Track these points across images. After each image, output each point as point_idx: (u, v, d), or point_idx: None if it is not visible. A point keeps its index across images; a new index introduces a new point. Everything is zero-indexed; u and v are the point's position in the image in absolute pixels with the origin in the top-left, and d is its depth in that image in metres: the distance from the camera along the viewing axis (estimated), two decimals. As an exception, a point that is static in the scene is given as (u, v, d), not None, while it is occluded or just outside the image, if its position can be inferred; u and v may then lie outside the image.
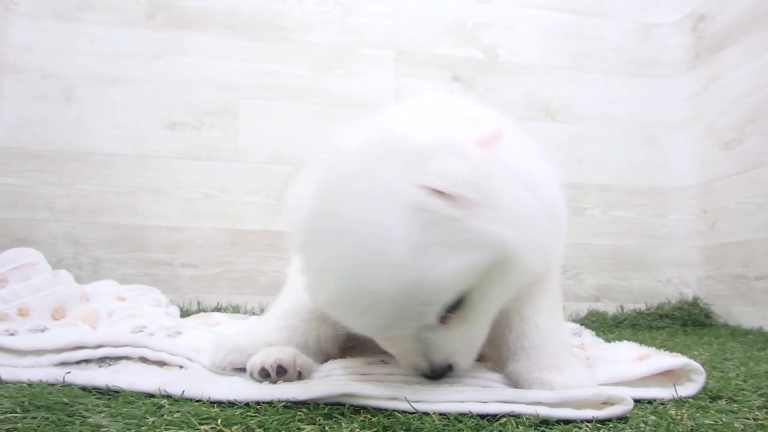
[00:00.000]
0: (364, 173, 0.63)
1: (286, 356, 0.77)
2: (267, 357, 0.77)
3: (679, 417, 0.64)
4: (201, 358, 0.84)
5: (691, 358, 1.14)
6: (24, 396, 0.69)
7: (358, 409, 0.67)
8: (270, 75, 2.07)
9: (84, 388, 0.76)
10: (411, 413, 0.65)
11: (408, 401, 0.66)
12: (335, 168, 0.66)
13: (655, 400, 0.72)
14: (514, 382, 0.73)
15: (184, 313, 1.73)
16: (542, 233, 0.69)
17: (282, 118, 2.05)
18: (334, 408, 0.67)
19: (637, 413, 0.65)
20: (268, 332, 0.84)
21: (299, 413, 0.64)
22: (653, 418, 0.64)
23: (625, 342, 1.00)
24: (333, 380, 0.74)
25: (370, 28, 2.16)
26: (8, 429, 0.59)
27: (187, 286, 1.96)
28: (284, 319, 0.84)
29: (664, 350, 1.32)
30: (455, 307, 0.65)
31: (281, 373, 0.76)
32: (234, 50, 2.06)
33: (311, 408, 0.67)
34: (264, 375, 0.76)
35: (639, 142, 2.26)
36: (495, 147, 0.64)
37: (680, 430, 0.60)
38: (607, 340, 1.57)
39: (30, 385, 0.78)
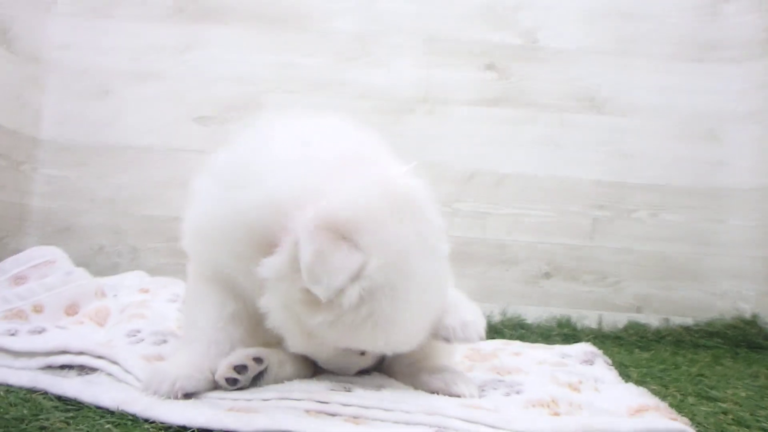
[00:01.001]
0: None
1: (251, 353, 0.82)
2: (237, 356, 0.81)
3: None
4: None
5: (721, 399, 1.04)
6: None
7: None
8: (293, 67, 2.04)
9: (58, 398, 0.79)
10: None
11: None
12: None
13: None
14: None
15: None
16: None
17: (305, 110, 2.01)
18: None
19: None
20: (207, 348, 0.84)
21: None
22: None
23: (630, 385, 0.89)
24: (285, 410, 0.71)
25: (395, 13, 2.06)
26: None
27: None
28: (214, 332, 0.85)
29: (697, 382, 1.22)
30: None
31: (258, 361, 0.80)
32: (257, 42, 2.04)
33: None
34: (239, 371, 0.79)
35: (697, 136, 2.04)
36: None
37: None
38: (640, 361, 1.47)
39: (8, 391, 0.80)
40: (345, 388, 0.78)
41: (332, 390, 0.77)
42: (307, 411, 0.71)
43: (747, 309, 1.92)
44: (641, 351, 1.65)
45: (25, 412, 0.72)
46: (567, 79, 2.06)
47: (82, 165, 2.00)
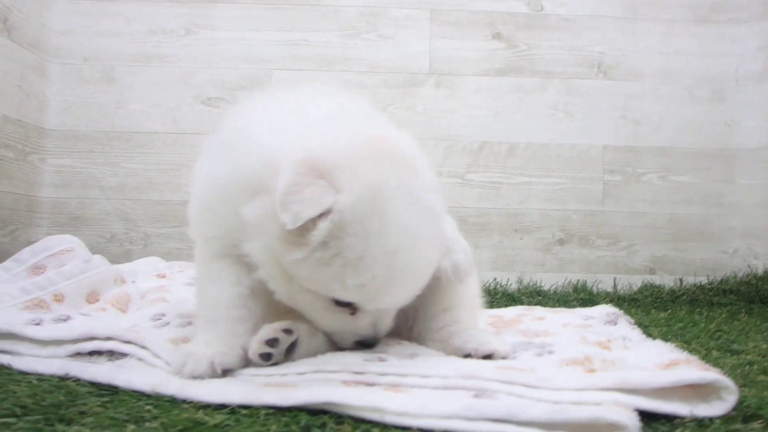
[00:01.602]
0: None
1: (280, 325, 0.82)
2: (266, 331, 0.81)
3: (691, 446, 0.57)
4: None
5: (743, 351, 1.05)
6: (28, 396, 0.72)
7: (340, 420, 0.64)
8: (300, 44, 2.02)
9: (90, 383, 0.79)
10: (393, 428, 0.62)
11: (390, 414, 0.62)
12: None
13: (674, 417, 0.65)
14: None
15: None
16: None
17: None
18: (315, 418, 0.65)
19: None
20: (233, 325, 0.84)
21: (274, 426, 0.62)
22: (660, 447, 0.56)
23: (659, 341, 0.89)
24: (321, 382, 0.72)
25: (401, -15, 2.04)
26: (1, 434, 0.61)
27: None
28: (235, 309, 0.85)
29: (717, 337, 1.24)
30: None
31: (288, 332, 0.81)
32: (262, 21, 2.02)
33: (291, 417, 0.65)
34: (271, 344, 0.80)
35: (704, 98, 2.04)
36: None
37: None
38: (658, 320, 1.48)
39: (41, 380, 0.81)
40: (379, 358, 0.79)
41: (367, 360, 0.77)
42: (344, 382, 0.71)
43: (759, 265, 1.94)
44: (658, 311, 1.66)
45: (62, 398, 0.72)
46: (574, 46, 2.04)
47: (90, 153, 2.00)
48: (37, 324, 1.01)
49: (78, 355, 0.88)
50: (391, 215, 0.73)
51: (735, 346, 1.11)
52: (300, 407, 0.66)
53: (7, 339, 0.92)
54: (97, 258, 1.35)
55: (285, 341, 0.80)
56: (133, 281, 1.49)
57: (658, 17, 2.04)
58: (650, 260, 2.00)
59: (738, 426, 0.63)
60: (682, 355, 0.80)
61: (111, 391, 0.76)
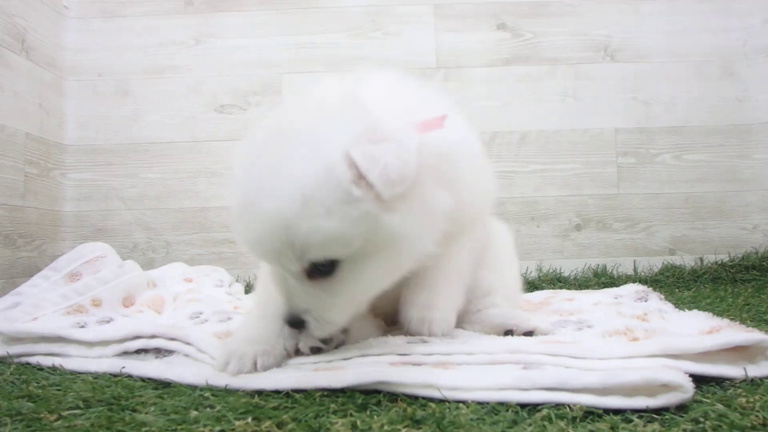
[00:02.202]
0: (314, 120, 0.72)
1: None
2: None
3: (750, 406, 0.57)
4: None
5: None
6: (87, 390, 0.74)
7: (394, 398, 0.66)
8: (308, 47, 2.04)
9: (141, 378, 0.82)
10: (446, 402, 0.63)
11: (443, 389, 0.63)
12: (298, 107, 0.78)
13: (723, 380, 0.66)
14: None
15: (249, 288, 1.79)
16: (437, 228, 0.76)
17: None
18: (370, 396, 0.66)
19: (700, 401, 0.59)
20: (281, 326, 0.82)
21: (333, 405, 0.64)
22: (719, 406, 0.57)
23: (695, 311, 0.90)
24: (369, 364, 0.73)
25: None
26: (68, 426, 0.63)
27: (250, 261, 2.02)
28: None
29: (747, 310, 1.24)
30: (326, 271, 0.72)
31: (344, 331, 0.81)
32: (270, 26, 2.04)
33: (347, 397, 0.66)
34: (325, 341, 0.80)
35: (714, 75, 2.03)
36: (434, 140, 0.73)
37: (750, 425, 0.53)
38: (683, 299, 1.49)
39: (95, 377, 0.84)
40: (422, 340, 0.81)
41: (410, 342, 0.79)
42: (392, 364, 0.73)
43: (780, 240, 1.93)
44: (681, 291, 1.67)
45: (120, 391, 0.75)
46: (579, 31, 2.05)
47: (109, 166, 2.03)
48: (82, 327, 1.04)
49: (125, 354, 0.91)
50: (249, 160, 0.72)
51: (767, 317, 1.12)
52: (352, 388, 0.68)
53: (54, 342, 0.95)
54: (130, 263, 1.38)
55: (338, 339, 0.81)
56: (162, 285, 1.52)
57: (662, -5, 2.05)
58: (669, 241, 2.00)
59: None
60: (723, 321, 0.81)
61: (164, 384, 0.79)
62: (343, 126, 0.70)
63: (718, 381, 0.66)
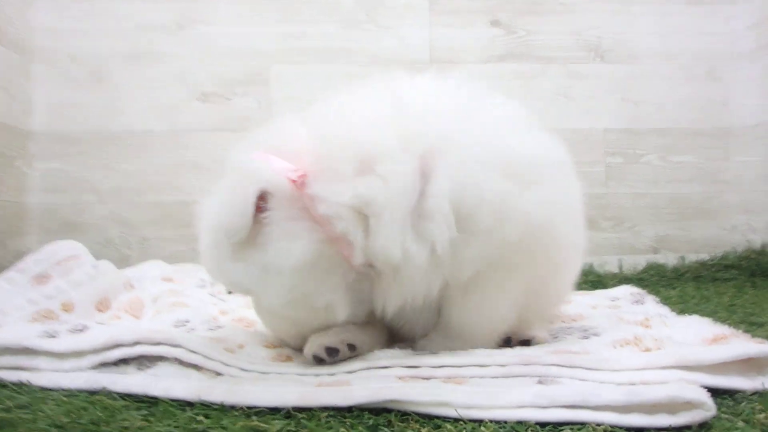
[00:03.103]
0: None
1: (347, 338, 0.80)
2: (332, 338, 0.79)
3: (771, 422, 0.56)
4: (238, 358, 0.81)
5: (766, 323, 1.06)
6: (62, 413, 0.67)
7: (405, 417, 0.63)
8: (298, 37, 1.98)
9: (123, 396, 0.74)
10: (462, 421, 0.60)
11: (459, 408, 0.60)
12: None
13: (736, 393, 0.64)
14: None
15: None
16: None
17: (315, 82, 1.97)
18: (380, 416, 0.63)
19: (721, 418, 0.58)
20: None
21: (342, 428, 0.60)
22: (741, 424, 0.56)
23: (695, 317, 0.90)
24: (376, 379, 0.70)
25: (398, -26, 2.01)
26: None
27: (232, 260, 1.96)
28: None
29: (734, 311, 1.25)
30: None
31: (351, 348, 0.79)
32: (259, 13, 1.97)
33: (355, 417, 0.63)
34: (329, 353, 0.77)
35: (701, 77, 2.05)
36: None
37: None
38: (670, 298, 1.49)
39: (69, 395, 0.75)
40: (430, 351, 0.78)
41: (417, 354, 0.76)
42: (400, 377, 0.70)
43: (757, 240, 1.97)
44: (665, 289, 1.68)
45: (99, 414, 0.67)
46: (571, 31, 2.04)
47: (82, 155, 1.93)
48: (53, 336, 0.96)
49: (103, 365, 0.83)
50: None
51: (755, 318, 1.12)
52: (360, 407, 0.64)
53: (21, 354, 0.85)
54: (105, 263, 1.31)
55: (344, 354, 0.78)
56: (139, 286, 1.45)
57: (652, -1, 2.05)
58: (654, 239, 2.02)
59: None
60: (725, 328, 0.80)
61: (149, 402, 0.72)
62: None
63: (729, 393, 0.65)
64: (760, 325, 1.06)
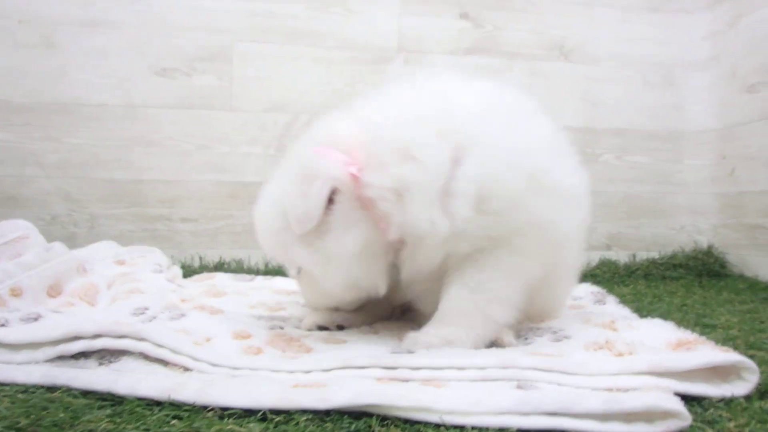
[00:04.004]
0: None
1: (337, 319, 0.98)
2: (324, 317, 0.98)
3: (740, 431, 0.59)
4: (208, 352, 0.78)
5: (718, 325, 1.12)
6: (21, 413, 0.62)
7: (385, 421, 0.62)
8: (265, 16, 1.91)
9: (84, 393, 0.70)
10: (443, 426, 0.60)
11: (442, 413, 0.60)
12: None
13: (703, 400, 0.67)
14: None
15: (187, 270, 1.68)
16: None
17: (279, 62, 1.91)
18: (360, 421, 0.62)
19: (694, 427, 0.60)
20: None
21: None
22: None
23: (658, 320, 0.93)
24: (354, 380, 0.69)
25: (369, -42, 1.97)
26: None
27: (187, 241, 1.90)
28: None
29: (685, 311, 1.31)
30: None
31: (340, 329, 0.97)
32: (225, -12, 1.89)
33: (334, 422, 0.61)
34: (320, 329, 0.96)
35: (657, 83, 2.13)
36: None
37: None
38: (624, 296, 1.54)
39: (25, 392, 0.71)
40: (407, 350, 0.77)
41: (395, 353, 0.75)
42: (378, 379, 0.69)
43: (704, 241, 2.07)
44: (619, 286, 1.74)
45: (61, 414, 0.62)
46: (537, 29, 2.06)
47: (27, 126, 1.81)
48: (2, 325, 0.90)
49: (60, 359, 0.78)
50: None
51: (707, 320, 1.17)
52: (339, 410, 0.63)
53: None
54: (58, 245, 1.23)
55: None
56: (90, 269, 1.38)
57: (615, 4, 2.10)
58: (607, 237, 2.09)
59: (761, 403, 0.66)
60: (687, 333, 0.83)
61: (113, 400, 0.68)
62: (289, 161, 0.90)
63: (696, 399, 0.68)
64: (713, 327, 1.11)
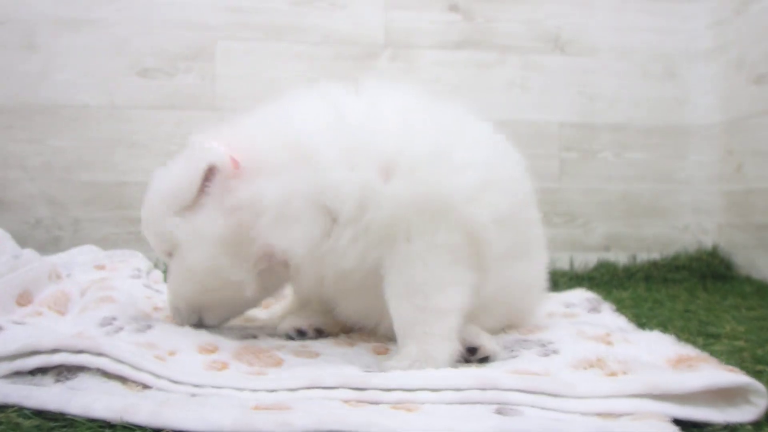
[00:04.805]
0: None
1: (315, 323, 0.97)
2: (302, 320, 0.97)
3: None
4: (169, 368, 0.73)
5: (723, 335, 1.05)
6: None
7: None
8: (247, 12, 1.86)
9: (35, 412, 0.66)
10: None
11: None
12: None
13: (706, 426, 0.61)
14: None
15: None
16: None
17: (262, 59, 1.86)
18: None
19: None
20: None
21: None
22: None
23: (656, 333, 0.87)
24: (320, 402, 0.63)
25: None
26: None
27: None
28: None
29: (688, 318, 1.24)
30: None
31: (319, 333, 0.96)
32: (206, -16, 1.84)
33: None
34: (300, 333, 0.95)
35: (657, 75, 2.05)
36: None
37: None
38: (622, 301, 1.48)
39: None
40: (380, 368, 0.72)
41: (367, 371, 0.70)
42: (346, 401, 0.64)
43: (708, 241, 2.00)
44: (617, 290, 1.68)
45: None
46: (530, 20, 1.99)
47: (8, 128, 1.77)
48: (-39, 338, 0.86)
49: (17, 375, 0.74)
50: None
51: (711, 329, 1.11)
52: (302, 435, 0.58)
53: None
54: (28, 252, 1.19)
55: (311, 337, 0.94)
56: (68, 274, 1.33)
57: (611, -8, 2.03)
58: (605, 237, 2.02)
59: None
60: (689, 348, 0.77)
61: (64, 422, 0.63)
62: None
63: (697, 425, 0.62)
64: (717, 336, 1.04)
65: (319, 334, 0.95)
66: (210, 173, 0.83)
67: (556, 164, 2.01)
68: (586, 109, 2.02)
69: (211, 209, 0.83)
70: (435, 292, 0.77)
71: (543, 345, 0.81)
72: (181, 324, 0.91)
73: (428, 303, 0.76)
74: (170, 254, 0.89)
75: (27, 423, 0.63)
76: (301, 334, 0.94)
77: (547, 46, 2.00)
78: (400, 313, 0.78)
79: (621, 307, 1.35)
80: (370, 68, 1.90)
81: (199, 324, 0.92)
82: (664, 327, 1.13)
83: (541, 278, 0.98)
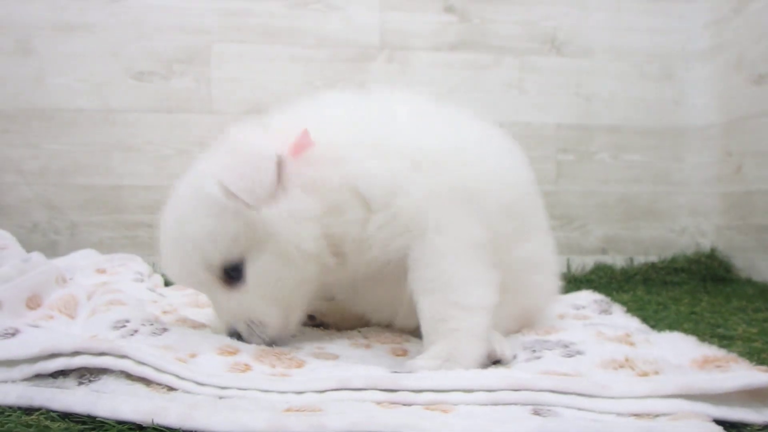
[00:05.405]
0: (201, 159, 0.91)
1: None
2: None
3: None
4: (192, 371, 0.72)
5: (737, 336, 1.05)
6: None
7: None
8: (242, 14, 1.85)
9: (62, 415, 0.65)
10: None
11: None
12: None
13: (744, 426, 0.61)
14: None
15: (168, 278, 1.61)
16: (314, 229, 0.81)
17: (258, 62, 1.85)
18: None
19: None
20: None
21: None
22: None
23: (677, 334, 0.87)
24: (353, 407, 0.62)
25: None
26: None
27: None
28: None
29: (696, 321, 1.24)
30: (237, 276, 0.82)
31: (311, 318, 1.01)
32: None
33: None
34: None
35: (654, 76, 2.05)
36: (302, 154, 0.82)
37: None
38: (625, 303, 1.46)
39: (1, 413, 0.65)
40: (409, 368, 0.71)
41: (395, 372, 0.69)
42: (378, 403, 0.63)
43: (706, 243, 2.00)
44: (617, 293, 1.67)
45: None
46: (527, 21, 2.00)
47: (4, 133, 1.75)
48: (-23, 342, 0.84)
49: (38, 377, 0.73)
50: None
51: (722, 331, 1.11)
52: (337, 438, 0.57)
53: None
54: (36, 255, 1.16)
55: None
56: (70, 278, 1.31)
57: (607, -8, 2.03)
58: (602, 240, 2.03)
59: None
60: (713, 349, 0.78)
61: (93, 425, 0.63)
62: (212, 155, 0.87)
63: (735, 425, 0.61)
64: (731, 338, 1.04)
65: (310, 320, 0.99)
66: (279, 165, 0.81)
67: (552, 166, 2.01)
68: (583, 110, 2.03)
69: (297, 192, 0.81)
70: (466, 287, 0.77)
71: (565, 346, 0.81)
72: (268, 343, 0.84)
73: (459, 298, 0.76)
74: (240, 261, 0.82)
75: (55, 426, 0.62)
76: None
77: (543, 47, 2.01)
78: (428, 308, 0.77)
79: (628, 310, 1.35)
80: (365, 70, 1.90)
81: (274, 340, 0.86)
82: (675, 329, 1.13)
83: (551, 261, 1.00)
